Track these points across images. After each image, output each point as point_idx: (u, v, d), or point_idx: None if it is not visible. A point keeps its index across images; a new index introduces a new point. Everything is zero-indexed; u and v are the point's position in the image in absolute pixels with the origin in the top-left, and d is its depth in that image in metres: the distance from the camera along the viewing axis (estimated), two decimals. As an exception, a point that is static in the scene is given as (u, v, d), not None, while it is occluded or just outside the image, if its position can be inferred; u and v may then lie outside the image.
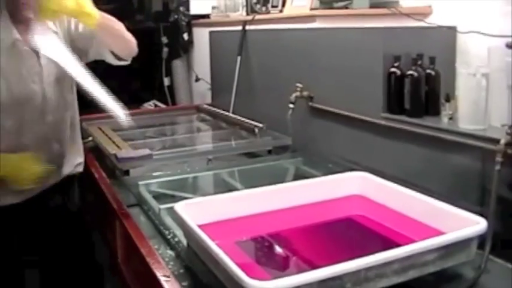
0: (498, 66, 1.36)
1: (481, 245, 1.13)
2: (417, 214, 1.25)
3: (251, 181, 1.84)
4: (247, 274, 0.93)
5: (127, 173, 1.87)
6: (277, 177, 1.87)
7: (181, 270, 1.24)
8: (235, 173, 1.91)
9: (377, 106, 1.67)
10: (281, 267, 1.20)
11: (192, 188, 1.80)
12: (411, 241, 1.23)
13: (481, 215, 1.13)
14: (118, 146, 2.02)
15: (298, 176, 1.88)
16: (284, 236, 1.30)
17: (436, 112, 1.54)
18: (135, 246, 1.26)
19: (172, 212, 1.33)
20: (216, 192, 1.81)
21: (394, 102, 1.63)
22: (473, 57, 1.58)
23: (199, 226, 1.19)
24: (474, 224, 1.09)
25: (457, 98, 1.44)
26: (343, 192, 1.44)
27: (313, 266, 1.14)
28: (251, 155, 2.17)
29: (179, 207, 1.25)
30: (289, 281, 0.92)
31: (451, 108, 1.47)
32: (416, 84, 1.57)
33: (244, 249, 1.24)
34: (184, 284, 1.16)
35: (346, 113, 1.82)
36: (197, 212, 1.26)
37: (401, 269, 1.01)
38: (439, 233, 1.16)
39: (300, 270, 1.11)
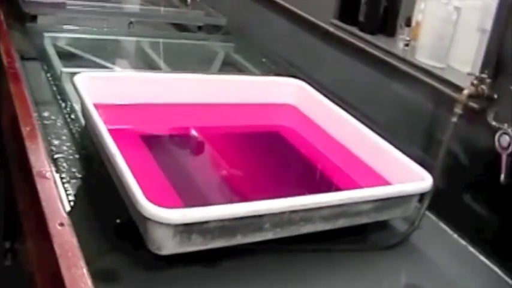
0: (472, 3, 1.14)
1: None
2: (353, 145, 1.05)
3: (175, 58, 1.57)
4: (145, 193, 0.70)
5: (34, 19, 1.54)
6: (204, 60, 1.61)
7: (76, 156, 1.00)
8: (158, 45, 1.62)
9: (328, 9, 1.41)
10: (186, 177, 0.95)
11: (106, 53, 1.49)
12: (340, 172, 1.06)
13: (422, 163, 0.96)
14: (31, -14, 1.65)
15: (227, 64, 1.63)
16: (196, 138, 1.07)
17: (392, 33, 1.31)
18: (17, 118, 0.98)
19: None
20: (133, 63, 1.55)
21: (348, 11, 1.39)
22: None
23: (101, 106, 0.93)
24: (418, 179, 0.90)
25: (419, 25, 1.22)
26: (273, 99, 1.21)
27: (223, 179, 0.95)
28: (179, 28, 1.88)
29: (79, 80, 0.97)
30: (194, 214, 0.70)
31: (409, 34, 1.25)
32: (376, -4, 1.33)
33: (148, 145, 0.99)
34: (79, 176, 0.93)
35: (292, 8, 1.55)
36: (102, 88, 0.99)
37: (331, 216, 0.81)
38: (374, 173, 0.98)
39: (206, 182, 0.91)
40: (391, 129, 1.17)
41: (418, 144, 1.12)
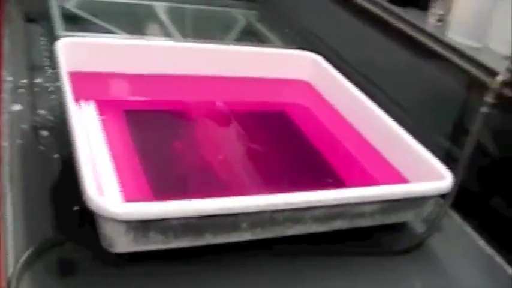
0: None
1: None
2: (369, 131, 0.90)
3: (191, 25, 1.45)
4: (99, 192, 0.57)
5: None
6: (223, 28, 1.48)
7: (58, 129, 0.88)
8: (175, 10, 1.49)
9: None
10: (166, 164, 0.81)
11: (118, 18, 1.35)
12: (352, 161, 0.92)
13: (448, 155, 0.81)
14: None
15: (248, 33, 1.50)
16: (190, 115, 0.94)
17: (425, 6, 1.14)
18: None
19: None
20: (144, 30, 1.42)
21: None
22: None
23: (84, 74, 0.83)
24: (438, 178, 0.73)
25: (454, -3, 1.04)
26: (284, 73, 1.05)
27: (211, 168, 0.82)
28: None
29: (61, 44, 0.84)
30: (146, 209, 0.57)
31: (443, 7, 1.08)
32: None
33: (130, 123, 0.85)
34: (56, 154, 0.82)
35: (320, -24, 1.40)
36: (88, 55, 0.87)
37: (324, 217, 0.68)
38: (389, 166, 0.83)
39: (190, 170, 0.79)
40: (415, 113, 1.02)
41: (446, 133, 0.96)
